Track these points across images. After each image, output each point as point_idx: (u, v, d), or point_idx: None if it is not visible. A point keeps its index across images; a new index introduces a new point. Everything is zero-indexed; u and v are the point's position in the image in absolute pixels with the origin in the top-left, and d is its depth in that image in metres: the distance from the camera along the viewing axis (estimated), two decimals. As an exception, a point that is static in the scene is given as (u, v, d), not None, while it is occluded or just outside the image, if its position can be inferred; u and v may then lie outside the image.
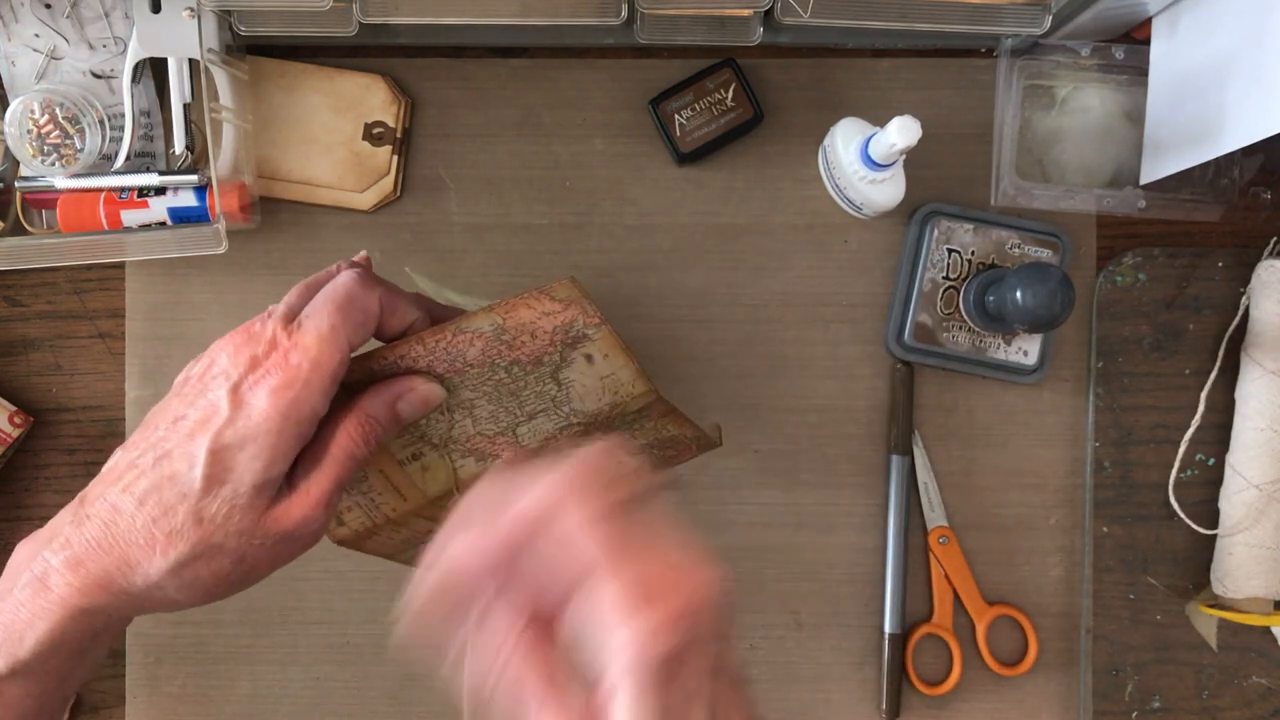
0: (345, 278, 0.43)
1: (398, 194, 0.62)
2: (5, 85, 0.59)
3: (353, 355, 0.42)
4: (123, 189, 0.58)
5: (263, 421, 0.39)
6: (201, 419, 0.40)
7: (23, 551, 0.41)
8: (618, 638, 0.29)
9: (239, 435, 0.39)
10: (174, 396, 0.42)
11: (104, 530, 0.39)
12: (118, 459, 0.41)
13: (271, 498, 0.40)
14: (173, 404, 0.41)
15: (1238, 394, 0.61)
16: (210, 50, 0.57)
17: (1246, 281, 0.62)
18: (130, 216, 0.58)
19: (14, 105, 0.57)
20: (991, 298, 0.59)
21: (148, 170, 0.59)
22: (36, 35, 0.58)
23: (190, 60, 0.57)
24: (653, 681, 0.29)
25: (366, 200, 0.62)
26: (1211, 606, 0.61)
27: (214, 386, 0.40)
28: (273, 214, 0.63)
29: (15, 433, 0.61)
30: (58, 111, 0.57)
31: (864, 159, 0.56)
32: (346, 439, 0.41)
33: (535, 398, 0.44)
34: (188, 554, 0.39)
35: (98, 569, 0.39)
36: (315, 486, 0.41)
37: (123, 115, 0.58)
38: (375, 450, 0.43)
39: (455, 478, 0.45)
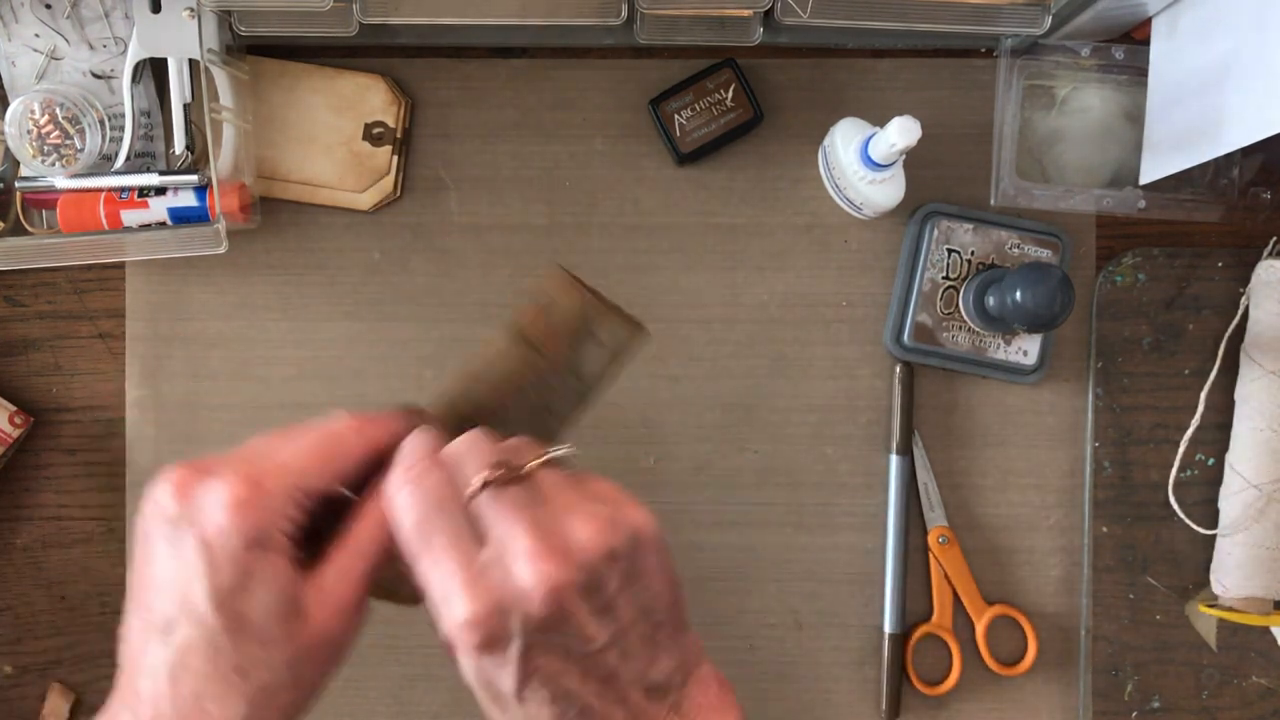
0: None
1: (398, 194, 0.63)
2: (5, 85, 0.59)
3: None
4: (123, 189, 0.58)
5: (244, 545, 0.35)
6: (185, 573, 0.35)
7: None
8: (445, 618, 0.34)
9: (228, 574, 0.35)
10: (137, 549, 0.37)
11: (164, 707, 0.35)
12: (130, 632, 0.37)
13: (300, 616, 0.36)
14: (139, 563, 0.37)
15: (1237, 394, 0.61)
16: (210, 50, 0.57)
17: (1246, 281, 0.62)
18: (130, 216, 0.58)
19: (14, 105, 0.57)
20: (991, 298, 0.59)
21: (148, 170, 0.59)
22: (36, 35, 0.58)
23: (190, 60, 0.57)
24: (468, 663, 0.34)
25: (366, 200, 0.62)
26: (1211, 606, 0.61)
27: (174, 533, 0.35)
28: (273, 214, 0.63)
29: (15, 433, 0.61)
30: (58, 111, 0.57)
31: (864, 159, 0.56)
32: (372, 527, 0.37)
33: (561, 400, 0.45)
34: (246, 713, 0.35)
35: None
36: (342, 587, 0.37)
37: (123, 115, 0.58)
38: None
39: None
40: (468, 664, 0.35)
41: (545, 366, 0.44)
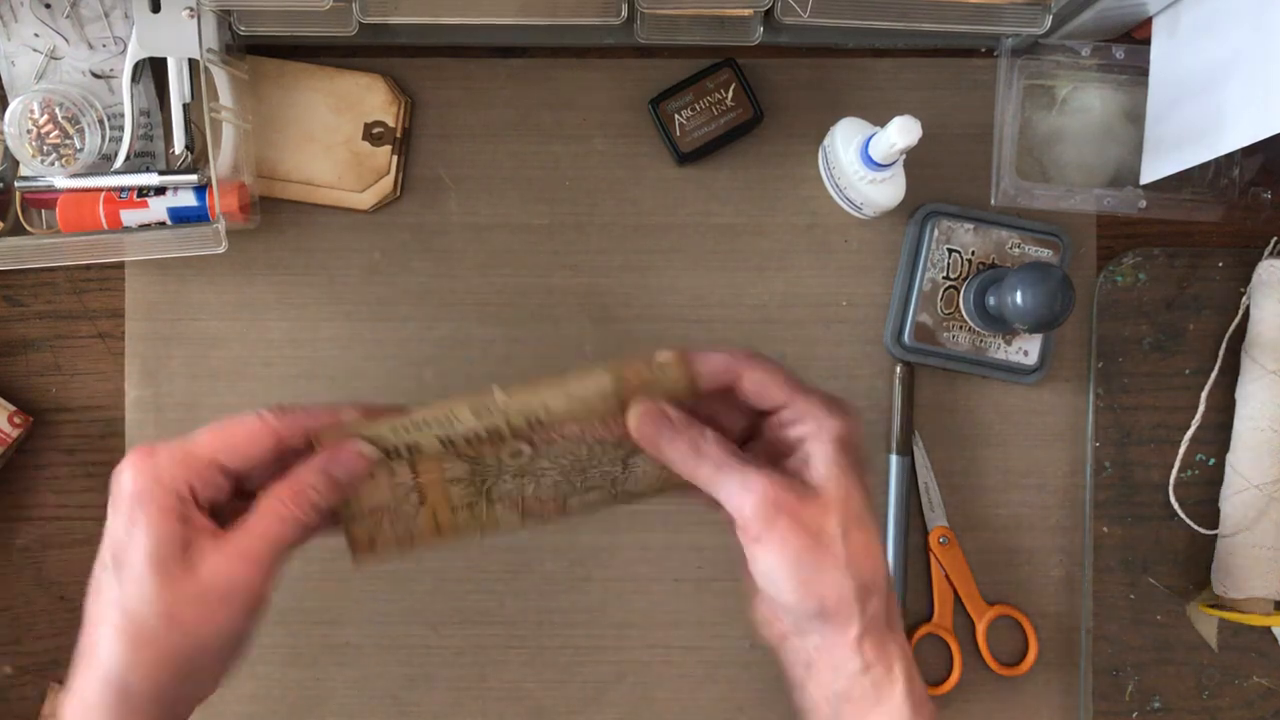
0: None
1: (397, 194, 0.62)
2: (5, 85, 0.59)
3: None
4: (122, 189, 0.58)
5: (130, 499, 0.42)
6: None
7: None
8: (825, 421, 0.43)
9: (120, 524, 0.42)
10: None
11: (85, 649, 0.42)
12: None
13: (183, 564, 0.41)
14: None
15: (1238, 394, 0.61)
16: (210, 50, 0.57)
17: (1246, 281, 0.62)
18: (130, 216, 0.58)
19: (14, 105, 0.57)
20: (992, 298, 0.59)
21: (147, 170, 0.59)
22: (36, 35, 0.58)
23: (190, 60, 0.57)
24: (847, 445, 0.43)
25: (366, 200, 0.62)
26: (1212, 606, 0.61)
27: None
28: (273, 214, 0.63)
29: (15, 433, 0.61)
30: (57, 111, 0.57)
31: (864, 159, 0.56)
32: (274, 502, 0.43)
33: (599, 476, 0.46)
34: (129, 642, 0.41)
35: (89, 691, 0.41)
36: (240, 545, 0.42)
37: (122, 115, 0.58)
38: (326, 512, 0.44)
39: (492, 523, 0.47)
40: (846, 456, 0.43)
41: (610, 436, 0.45)
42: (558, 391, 0.44)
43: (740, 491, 0.42)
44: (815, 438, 0.43)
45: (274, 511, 0.43)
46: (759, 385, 0.44)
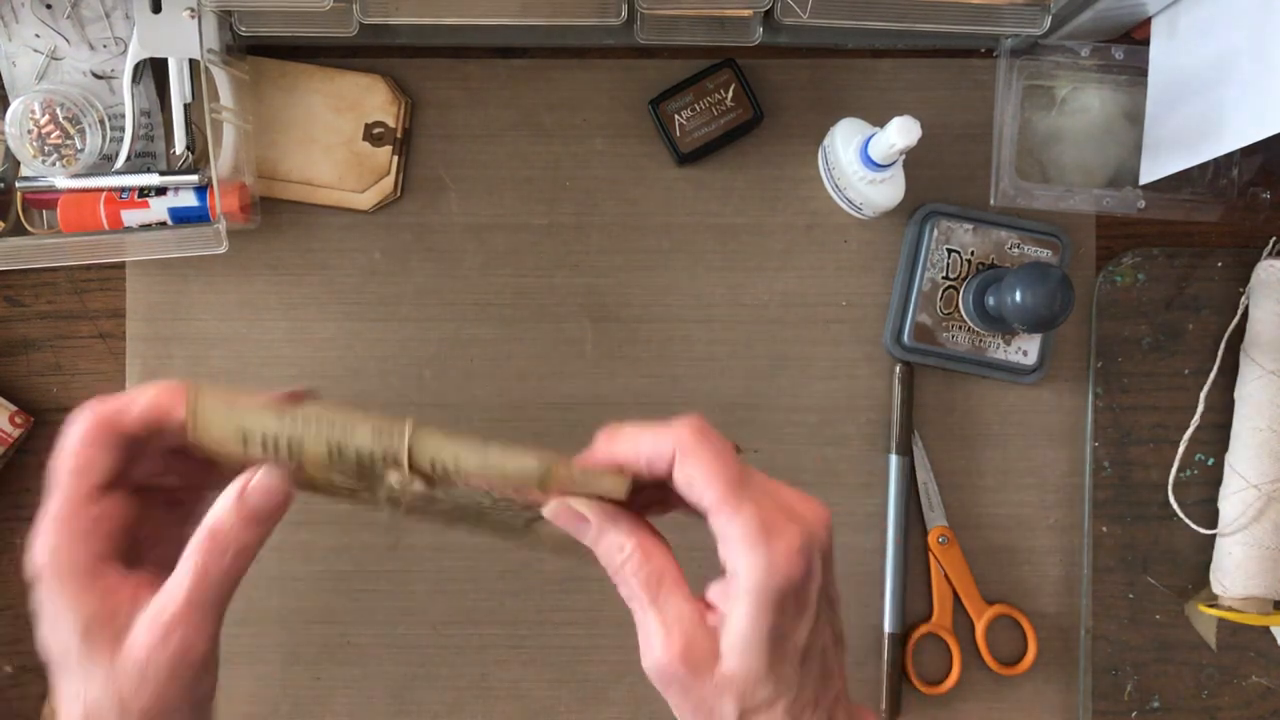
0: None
1: (398, 194, 0.63)
2: (6, 85, 0.59)
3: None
4: (123, 189, 0.58)
5: (46, 585, 0.41)
6: None
7: None
8: (744, 564, 0.35)
9: (44, 617, 0.42)
10: None
11: None
12: None
13: (115, 645, 0.39)
14: None
15: (1237, 394, 0.61)
16: (211, 50, 0.57)
17: (1246, 281, 0.62)
18: (131, 216, 0.58)
19: (14, 105, 0.57)
20: (991, 298, 0.59)
21: (148, 170, 0.59)
22: (37, 35, 0.58)
23: (191, 60, 0.58)
24: (769, 604, 0.35)
25: (366, 200, 0.62)
26: (1211, 606, 0.61)
27: None
28: (273, 214, 0.63)
29: (16, 433, 0.61)
30: (58, 112, 0.57)
31: (864, 159, 0.56)
32: (196, 557, 0.40)
33: (496, 524, 0.43)
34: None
35: None
36: (169, 614, 0.39)
37: (123, 115, 0.58)
38: (252, 553, 0.41)
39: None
40: (764, 621, 0.35)
41: (520, 499, 0.41)
42: (475, 452, 0.40)
43: (645, 635, 0.37)
44: (733, 586, 0.36)
45: (198, 568, 0.39)
46: (687, 483, 0.37)
